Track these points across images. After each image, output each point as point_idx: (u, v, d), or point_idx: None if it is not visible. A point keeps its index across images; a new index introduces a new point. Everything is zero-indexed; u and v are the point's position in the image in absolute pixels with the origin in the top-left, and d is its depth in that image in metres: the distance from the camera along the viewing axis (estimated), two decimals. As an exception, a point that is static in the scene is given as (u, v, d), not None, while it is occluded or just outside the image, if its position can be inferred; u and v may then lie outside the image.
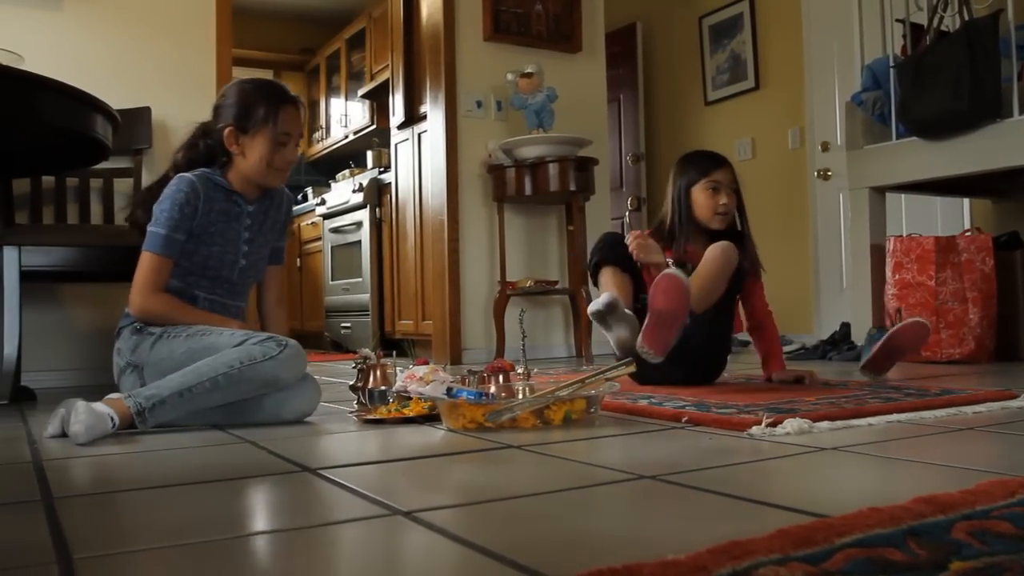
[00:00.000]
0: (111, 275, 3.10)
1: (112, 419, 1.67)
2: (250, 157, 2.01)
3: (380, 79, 5.65)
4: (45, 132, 2.38)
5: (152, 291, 1.95)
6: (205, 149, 2.06)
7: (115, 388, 1.96)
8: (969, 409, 1.76)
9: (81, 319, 3.27)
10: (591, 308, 2.14)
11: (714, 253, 2.25)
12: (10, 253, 2.58)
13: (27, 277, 2.63)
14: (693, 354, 2.29)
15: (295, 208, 5.89)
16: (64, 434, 1.66)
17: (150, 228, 1.96)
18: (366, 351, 2.15)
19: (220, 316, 2.02)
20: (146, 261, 1.95)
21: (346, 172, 6.12)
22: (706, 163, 2.46)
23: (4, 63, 2.15)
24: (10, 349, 2.54)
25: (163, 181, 2.05)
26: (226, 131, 2.01)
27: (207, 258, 2.02)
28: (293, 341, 1.86)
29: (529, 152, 4.00)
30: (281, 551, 0.86)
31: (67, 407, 1.68)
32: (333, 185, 6.19)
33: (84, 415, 1.61)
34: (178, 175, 2.00)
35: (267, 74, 7.24)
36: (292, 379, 1.85)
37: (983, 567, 0.71)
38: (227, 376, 1.75)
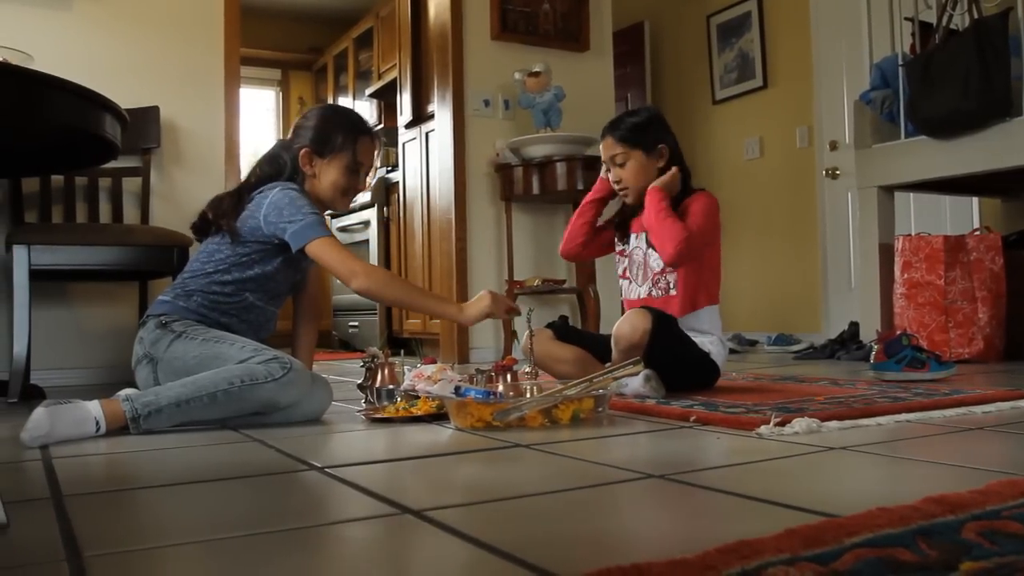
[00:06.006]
0: (120, 274, 3.12)
1: (98, 422, 1.67)
2: (323, 180, 2.07)
3: (388, 78, 5.65)
4: (54, 131, 2.39)
5: (362, 265, 1.99)
6: (290, 164, 2.08)
7: (123, 386, 1.96)
8: (979, 409, 1.76)
9: (90, 318, 3.28)
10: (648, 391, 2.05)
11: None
12: (20, 252, 2.60)
13: (36, 276, 2.65)
14: None
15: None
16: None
17: (299, 222, 1.92)
18: (374, 350, 2.15)
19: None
20: (328, 244, 1.94)
21: (353, 171, 6.13)
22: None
23: (14, 63, 2.16)
24: (20, 348, 2.55)
25: (242, 190, 2.06)
26: (302, 152, 2.06)
27: (276, 271, 2.03)
28: (298, 363, 1.83)
29: (537, 151, 4.00)
30: (290, 549, 0.86)
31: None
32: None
33: (32, 423, 1.60)
34: (275, 183, 2.02)
35: (275, 73, 7.28)
36: (290, 403, 1.83)
37: (993, 567, 0.70)
38: (226, 393, 1.74)
